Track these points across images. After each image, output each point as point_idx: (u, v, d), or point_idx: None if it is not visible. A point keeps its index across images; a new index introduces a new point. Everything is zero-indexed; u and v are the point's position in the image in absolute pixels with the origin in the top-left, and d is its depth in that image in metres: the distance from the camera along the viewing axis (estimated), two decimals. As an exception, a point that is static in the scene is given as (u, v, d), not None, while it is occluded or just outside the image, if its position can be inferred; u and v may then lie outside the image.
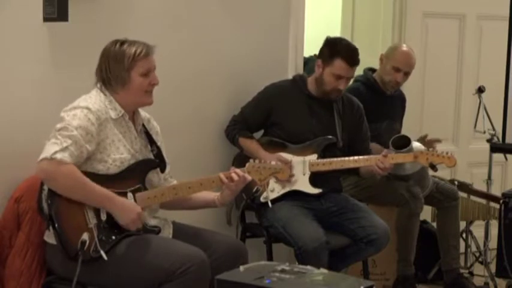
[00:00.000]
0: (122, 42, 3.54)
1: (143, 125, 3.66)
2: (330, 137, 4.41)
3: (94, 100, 3.49)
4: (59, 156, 3.30)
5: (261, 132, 4.56)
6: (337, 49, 4.37)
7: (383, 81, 5.10)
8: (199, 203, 3.76)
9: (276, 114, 4.44)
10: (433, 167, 4.38)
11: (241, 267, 3.12)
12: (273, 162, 3.79)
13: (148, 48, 3.55)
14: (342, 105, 4.52)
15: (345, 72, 4.35)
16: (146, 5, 4.22)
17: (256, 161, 3.72)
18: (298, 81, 4.53)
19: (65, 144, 3.33)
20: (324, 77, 4.40)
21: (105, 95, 3.53)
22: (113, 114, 3.51)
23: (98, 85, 3.56)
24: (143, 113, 3.70)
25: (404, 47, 5.14)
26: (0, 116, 3.69)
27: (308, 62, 5.30)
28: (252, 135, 4.50)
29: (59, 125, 3.39)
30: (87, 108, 3.44)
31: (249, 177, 3.64)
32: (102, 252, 3.34)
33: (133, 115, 3.61)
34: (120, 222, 3.42)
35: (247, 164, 3.69)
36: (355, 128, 4.54)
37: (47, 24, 3.81)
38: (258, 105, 4.50)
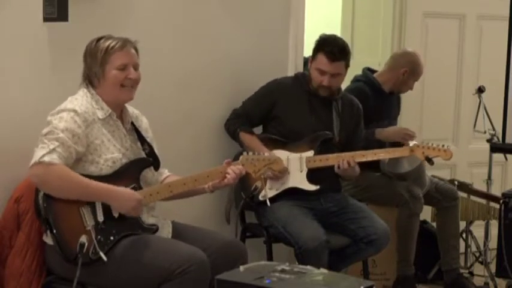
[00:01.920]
0: (99, 39, 3.51)
1: (132, 122, 3.63)
2: (327, 132, 4.40)
3: (81, 102, 3.46)
4: (47, 158, 3.28)
5: (261, 127, 4.55)
6: (321, 44, 4.38)
7: (398, 90, 5.18)
8: (189, 193, 3.71)
9: (277, 109, 4.43)
10: (429, 160, 4.36)
11: (241, 267, 3.11)
12: (267, 154, 3.76)
13: (125, 42, 3.50)
14: (341, 104, 4.52)
15: (325, 67, 4.34)
16: (146, 5, 4.21)
17: (250, 153, 3.70)
18: (300, 78, 4.54)
19: (51, 147, 3.31)
20: (311, 72, 4.41)
21: (91, 94, 3.50)
22: (100, 114, 3.48)
23: (84, 85, 3.54)
24: (131, 109, 3.66)
25: (421, 59, 5.19)
26: None
27: (308, 62, 5.31)
28: (253, 130, 4.49)
29: (45, 130, 3.37)
30: (74, 110, 3.41)
31: (243, 170, 3.63)
32: (102, 254, 3.33)
33: (121, 113, 3.58)
34: (121, 212, 3.40)
35: (241, 157, 3.68)
36: (352, 128, 4.53)
37: (47, 24, 3.81)
38: (260, 99, 4.49)
